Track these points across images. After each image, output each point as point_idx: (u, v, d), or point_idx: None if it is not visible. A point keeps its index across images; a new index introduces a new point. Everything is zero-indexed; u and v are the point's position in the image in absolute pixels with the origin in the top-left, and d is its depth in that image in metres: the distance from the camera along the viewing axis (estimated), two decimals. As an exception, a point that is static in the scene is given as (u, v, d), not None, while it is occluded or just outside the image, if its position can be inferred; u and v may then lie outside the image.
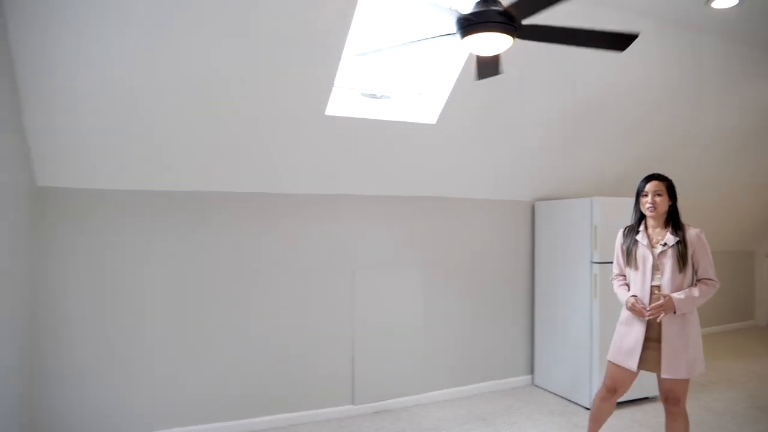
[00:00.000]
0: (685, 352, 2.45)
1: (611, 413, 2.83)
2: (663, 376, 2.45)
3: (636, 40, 2.23)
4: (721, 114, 4.30)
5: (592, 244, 3.75)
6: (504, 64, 2.46)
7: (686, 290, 2.44)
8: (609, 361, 2.69)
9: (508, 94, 3.37)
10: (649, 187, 2.56)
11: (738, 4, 3.10)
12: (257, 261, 3.37)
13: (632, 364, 2.54)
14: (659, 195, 2.54)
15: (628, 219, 3.87)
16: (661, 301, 2.41)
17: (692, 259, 2.48)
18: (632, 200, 3.92)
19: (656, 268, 2.52)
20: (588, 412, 3.68)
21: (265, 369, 3.38)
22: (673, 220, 2.56)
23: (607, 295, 3.74)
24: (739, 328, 6.64)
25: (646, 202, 2.57)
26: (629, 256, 2.63)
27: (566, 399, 3.95)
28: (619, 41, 2.32)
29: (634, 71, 3.59)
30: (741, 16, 3.28)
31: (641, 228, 2.64)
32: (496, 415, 3.65)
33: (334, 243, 3.58)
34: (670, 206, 2.57)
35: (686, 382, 2.48)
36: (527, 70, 3.25)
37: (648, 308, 2.45)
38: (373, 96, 3.22)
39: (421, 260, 3.88)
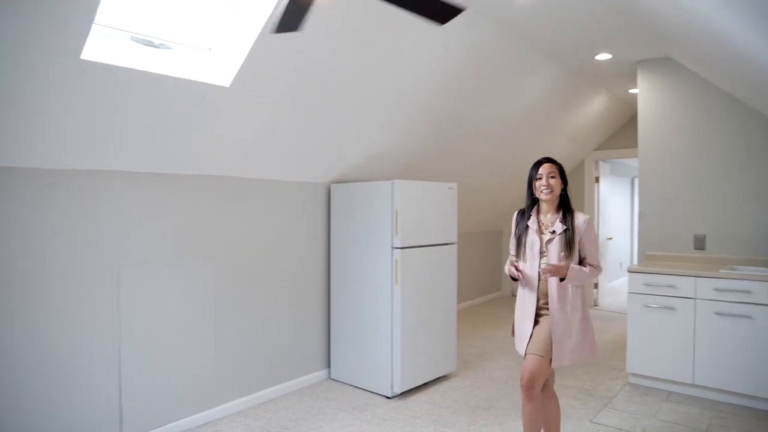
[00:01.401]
0: (570, 339, 2.45)
1: (541, 419, 2.53)
2: (553, 365, 2.42)
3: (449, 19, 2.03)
4: (496, 105, 4.61)
5: (393, 229, 3.63)
6: (316, 36, 2.04)
7: (579, 266, 2.46)
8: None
9: (314, 66, 2.97)
10: (543, 170, 2.53)
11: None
12: (-34, 265, 2.32)
13: (520, 349, 2.53)
14: (553, 177, 2.51)
15: (432, 203, 3.95)
16: (561, 263, 2.37)
17: (579, 245, 2.49)
18: (434, 184, 4.00)
19: (543, 254, 2.50)
20: (390, 401, 3.61)
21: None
22: (564, 206, 2.55)
23: (409, 282, 3.68)
24: (491, 299, 7.54)
25: (541, 185, 2.51)
26: (519, 245, 2.58)
27: (368, 391, 3.79)
28: (442, 13, 2.13)
29: (430, 56, 3.52)
30: (533, 14, 3.45)
31: (533, 213, 2.59)
32: (298, 421, 3.27)
33: (91, 235, 2.70)
34: (561, 189, 2.55)
35: (546, 364, 2.43)
36: (337, 44, 2.90)
37: (542, 268, 2.42)
38: (149, 43, 2.46)
39: (208, 251, 3.24)
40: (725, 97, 4.08)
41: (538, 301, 2.48)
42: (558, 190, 2.50)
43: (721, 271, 3.69)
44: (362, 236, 3.82)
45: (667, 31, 3.66)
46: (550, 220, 2.52)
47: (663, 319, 3.75)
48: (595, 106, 5.80)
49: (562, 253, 2.41)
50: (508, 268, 2.56)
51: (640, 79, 4.46)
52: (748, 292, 3.44)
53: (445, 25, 2.12)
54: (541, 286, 2.47)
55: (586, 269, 2.46)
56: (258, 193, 3.54)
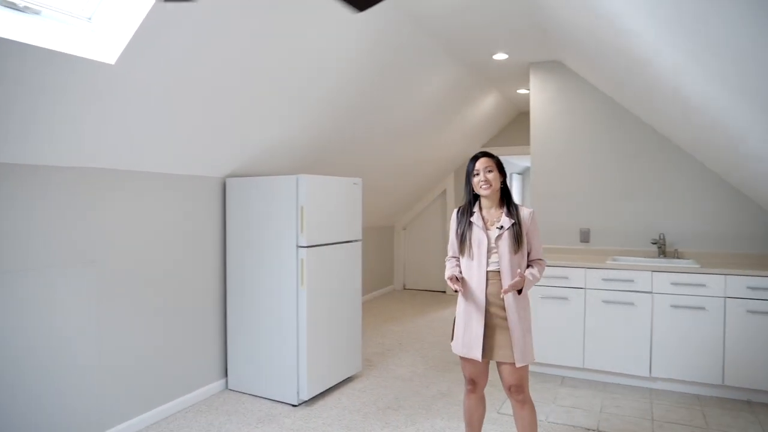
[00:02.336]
0: (527, 338, 2.38)
1: (483, 412, 2.57)
2: (518, 365, 2.33)
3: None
4: (396, 99, 4.55)
5: (298, 227, 3.41)
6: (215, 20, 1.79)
7: (529, 270, 2.38)
8: (459, 355, 2.49)
9: (212, 49, 2.65)
10: (479, 165, 2.42)
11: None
12: None
13: (476, 353, 2.37)
14: (490, 171, 2.42)
15: (337, 199, 3.78)
16: (518, 278, 2.28)
17: (525, 239, 2.42)
18: (339, 179, 3.82)
19: (492, 252, 2.38)
20: (296, 409, 3.40)
21: None
22: (506, 200, 2.46)
23: (315, 282, 3.49)
24: (384, 294, 7.56)
25: (480, 181, 2.41)
26: (463, 242, 2.44)
27: (271, 400, 3.54)
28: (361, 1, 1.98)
29: (333, 46, 3.34)
30: (439, 8, 3.41)
31: (475, 209, 2.47)
32: (196, 442, 2.95)
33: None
34: (501, 183, 2.47)
35: (527, 367, 2.41)
36: (237, 29, 2.61)
37: (503, 289, 2.30)
38: (12, 5, 2.01)
39: (87, 256, 2.79)
40: (608, 101, 4.40)
41: (487, 302, 2.36)
42: (497, 185, 2.42)
43: (607, 261, 3.97)
44: (263, 235, 3.55)
45: (560, 36, 3.84)
46: (494, 215, 2.43)
47: (558, 309, 3.95)
48: (486, 104, 6.00)
49: (513, 251, 2.34)
50: (448, 275, 2.43)
51: (533, 80, 4.66)
52: (631, 281, 3.74)
53: (357, 14, 1.96)
54: (489, 287, 2.36)
55: (536, 269, 2.39)
56: (144, 188, 3.13)
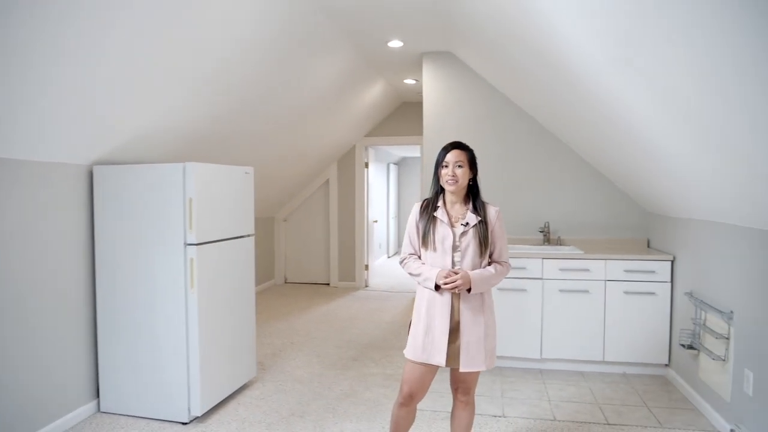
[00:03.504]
0: (485, 342, 2.21)
1: (412, 422, 2.39)
2: (462, 370, 2.17)
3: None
4: (287, 83, 4.24)
5: (186, 222, 3.00)
6: None
7: (481, 269, 2.21)
8: (408, 361, 2.25)
9: (84, 11, 2.17)
10: (450, 157, 2.22)
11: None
12: None
13: (440, 359, 2.16)
14: (460, 166, 2.22)
15: (229, 190, 3.38)
16: (459, 275, 2.12)
17: (490, 238, 2.24)
18: (230, 168, 3.43)
19: (455, 249, 2.20)
20: (188, 427, 3.01)
21: None
22: (473, 196, 2.28)
23: (208, 284, 3.12)
24: (265, 288, 7.17)
25: (447, 175, 2.22)
26: (426, 236, 2.23)
27: (156, 419, 3.10)
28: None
29: (220, 18, 2.97)
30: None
31: (440, 203, 2.26)
32: (67, 483, 2.46)
33: None
34: (470, 179, 2.27)
35: (479, 372, 2.27)
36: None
37: (444, 279, 2.13)
38: None
39: None
40: (497, 94, 4.52)
41: (452, 304, 2.20)
42: (465, 181, 2.25)
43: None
44: (143, 232, 3.08)
45: (454, 26, 3.84)
46: (459, 211, 2.27)
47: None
48: (373, 93, 5.90)
49: (477, 250, 2.20)
50: (444, 274, 2.16)
51: (425, 70, 4.64)
52: (523, 268, 3.88)
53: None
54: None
55: (492, 269, 2.21)
56: (-14, 177, 2.51)
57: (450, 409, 3.17)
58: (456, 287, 2.13)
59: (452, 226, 2.24)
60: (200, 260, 3.04)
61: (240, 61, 3.43)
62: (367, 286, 7.41)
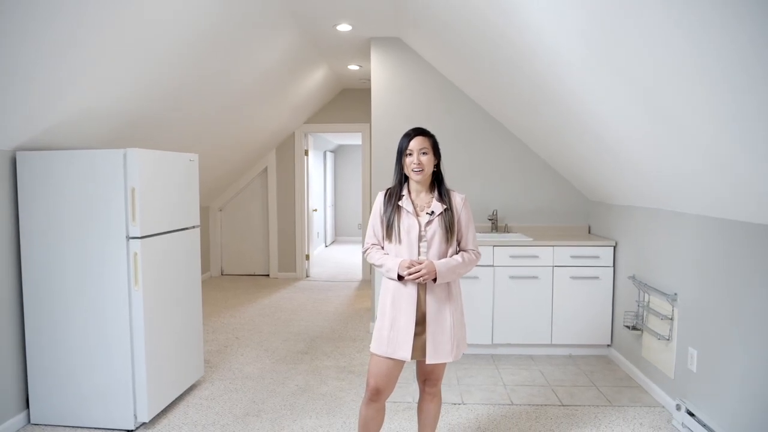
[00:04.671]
0: (452, 333, 2.15)
1: (381, 421, 2.27)
2: (428, 362, 2.12)
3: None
4: (230, 65, 4.00)
5: (128, 214, 2.76)
6: None
7: (447, 258, 2.14)
8: (373, 355, 2.16)
9: None
10: (414, 144, 2.14)
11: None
12: None
13: (405, 353, 2.10)
14: (425, 153, 2.15)
15: (173, 178, 3.13)
16: (423, 264, 2.06)
17: (457, 227, 2.17)
18: (174, 155, 3.18)
19: (421, 239, 2.13)
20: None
21: None
22: (438, 184, 2.21)
23: (153, 281, 2.90)
24: (202, 281, 6.82)
25: (412, 163, 2.14)
26: (390, 227, 2.14)
27: (97, 429, 2.85)
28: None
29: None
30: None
31: (404, 192, 2.19)
32: (0, 507, 2.21)
33: None
34: (435, 166, 2.19)
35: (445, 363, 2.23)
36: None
37: (408, 269, 2.07)
38: None
39: None
40: (446, 82, 4.51)
41: (418, 295, 2.14)
42: (430, 169, 2.18)
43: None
44: (78, 225, 2.79)
45: (405, 11, 3.77)
46: (424, 200, 2.21)
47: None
48: (315, 78, 5.73)
49: (444, 239, 2.15)
50: (406, 264, 2.09)
51: (374, 56, 4.55)
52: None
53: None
54: None
55: (459, 258, 2.15)
56: None
57: (409, 399, 3.20)
58: (420, 277, 2.08)
59: (417, 215, 2.18)
60: (145, 254, 2.81)
61: (176, 40, 3.17)
62: (308, 276, 7.26)
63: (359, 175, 10.82)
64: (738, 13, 1.39)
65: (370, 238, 2.30)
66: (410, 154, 2.17)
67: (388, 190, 2.28)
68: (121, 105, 3.22)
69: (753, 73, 1.52)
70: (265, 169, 7.12)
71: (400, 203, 2.19)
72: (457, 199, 2.23)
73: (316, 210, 8.27)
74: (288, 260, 7.18)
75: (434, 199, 2.20)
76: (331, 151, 10.71)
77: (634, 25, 1.81)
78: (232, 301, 5.83)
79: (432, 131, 2.25)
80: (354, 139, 8.97)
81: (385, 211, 2.22)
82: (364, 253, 2.34)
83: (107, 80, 2.90)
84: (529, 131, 4.16)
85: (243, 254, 7.26)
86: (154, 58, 3.09)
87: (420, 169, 2.15)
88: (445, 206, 2.18)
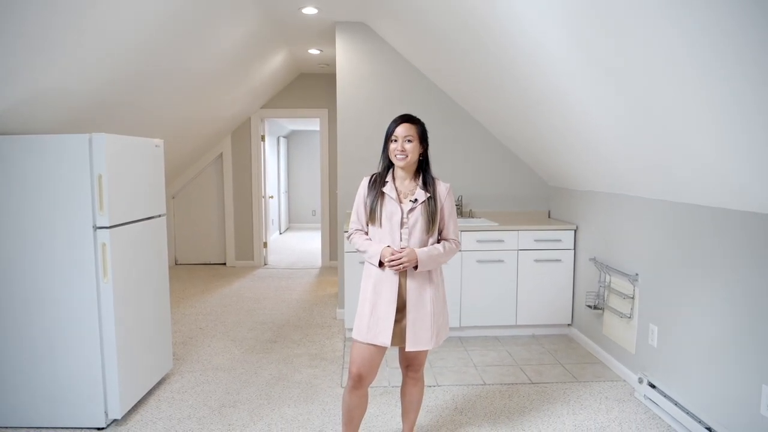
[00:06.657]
0: (431, 320, 2.17)
1: (365, 409, 2.30)
2: (408, 349, 2.15)
3: None
4: (190, 47, 3.83)
5: (95, 202, 2.63)
6: None
7: (429, 246, 2.15)
8: (355, 342, 2.17)
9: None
10: (400, 131, 2.13)
11: None
12: None
13: (385, 339, 2.12)
14: (410, 141, 2.14)
15: (140, 165, 2.99)
16: (404, 252, 2.08)
17: (439, 215, 2.17)
18: (140, 140, 3.03)
19: (403, 226, 2.13)
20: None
21: None
22: (423, 172, 2.20)
23: (122, 272, 2.79)
24: (154, 272, 6.60)
25: (396, 150, 2.14)
26: (373, 212, 2.15)
27: (65, 428, 2.73)
28: None
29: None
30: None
31: (389, 178, 2.18)
32: None
33: None
34: (420, 154, 2.18)
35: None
36: None
37: (389, 258, 2.09)
38: None
39: None
40: (411, 68, 4.52)
41: (399, 282, 2.16)
42: (415, 156, 2.19)
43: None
44: (39, 215, 2.63)
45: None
46: (408, 187, 2.22)
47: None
48: (274, 62, 5.60)
49: (426, 227, 2.17)
50: (388, 254, 2.11)
51: (339, 40, 4.49)
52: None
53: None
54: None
55: (440, 247, 2.17)
56: None
57: (385, 383, 3.24)
58: (401, 265, 2.11)
59: (400, 202, 2.20)
60: (114, 245, 2.69)
61: (133, 20, 3.02)
62: (266, 264, 7.15)
63: (314, 161, 10.70)
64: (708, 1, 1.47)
65: (354, 223, 2.31)
66: (395, 141, 2.18)
67: (373, 175, 2.29)
68: (76, 87, 3.04)
69: (727, 64, 1.62)
70: (221, 155, 6.92)
71: (383, 189, 2.21)
72: (442, 188, 2.25)
73: (272, 197, 8.13)
74: (245, 248, 7.04)
75: (418, 186, 2.22)
76: (284, 137, 10.52)
77: (607, 7, 1.88)
78: (190, 290, 5.67)
79: (396, 117, 2.26)
80: (310, 124, 8.85)
81: (369, 195, 2.23)
82: (348, 237, 2.34)
83: (58, 61, 2.73)
84: (495, 117, 4.24)
85: (198, 243, 7.06)
86: (102, 38, 2.92)
87: (403, 155, 2.16)
88: (428, 194, 2.19)
